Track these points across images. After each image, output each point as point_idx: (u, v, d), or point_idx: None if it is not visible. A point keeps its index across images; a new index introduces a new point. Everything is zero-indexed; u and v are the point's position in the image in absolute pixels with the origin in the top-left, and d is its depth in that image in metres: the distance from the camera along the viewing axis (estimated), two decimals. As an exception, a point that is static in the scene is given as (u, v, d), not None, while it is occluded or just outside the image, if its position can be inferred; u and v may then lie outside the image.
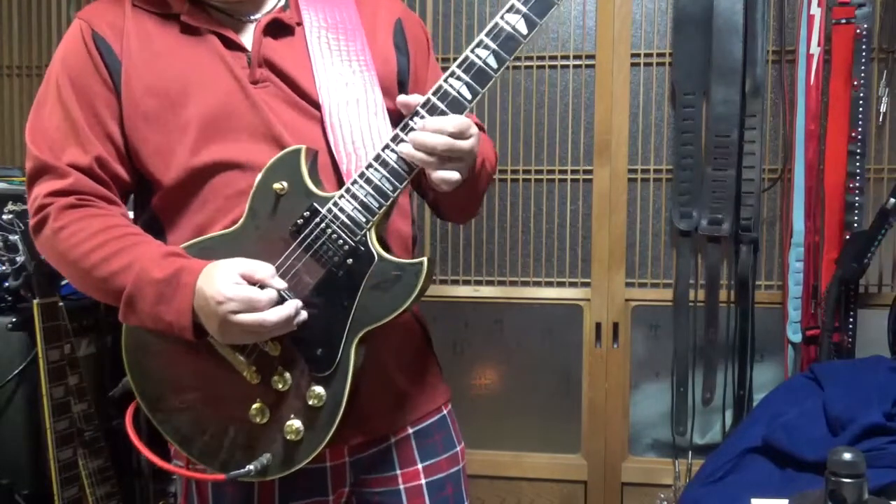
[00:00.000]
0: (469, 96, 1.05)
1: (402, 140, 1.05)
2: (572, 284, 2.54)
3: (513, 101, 2.51)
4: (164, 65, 1.13)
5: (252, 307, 1.01)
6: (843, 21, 2.25)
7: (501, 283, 2.58)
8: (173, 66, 1.13)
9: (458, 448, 1.28)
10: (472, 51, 1.04)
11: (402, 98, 1.07)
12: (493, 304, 2.58)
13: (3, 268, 1.81)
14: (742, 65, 2.33)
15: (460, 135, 1.04)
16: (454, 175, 1.05)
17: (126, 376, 1.15)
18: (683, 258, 2.45)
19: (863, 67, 2.25)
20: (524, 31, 1.04)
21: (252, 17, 1.17)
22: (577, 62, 2.50)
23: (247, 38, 1.15)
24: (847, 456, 0.97)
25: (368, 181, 1.06)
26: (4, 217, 1.80)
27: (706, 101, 2.39)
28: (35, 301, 1.81)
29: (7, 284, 1.86)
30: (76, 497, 1.84)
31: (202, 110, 1.11)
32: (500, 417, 2.58)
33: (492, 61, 1.04)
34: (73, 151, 1.12)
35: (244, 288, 1.02)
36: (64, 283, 2.09)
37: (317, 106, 1.14)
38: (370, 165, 1.06)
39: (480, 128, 1.31)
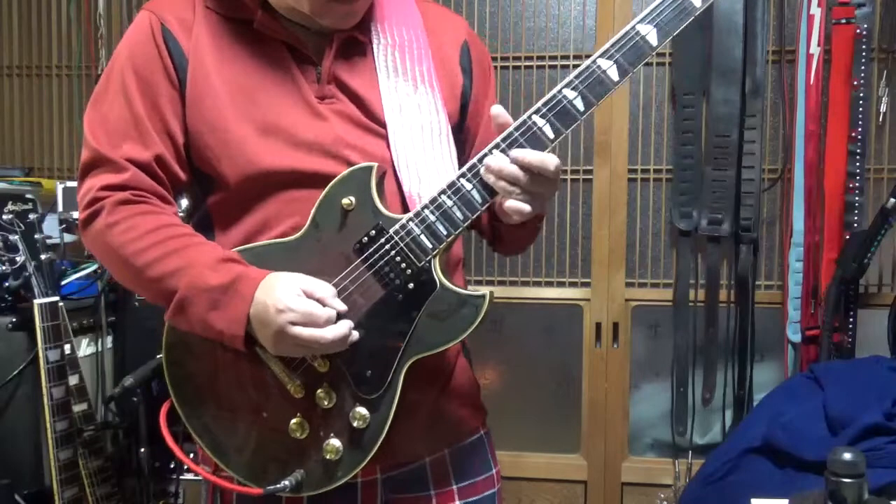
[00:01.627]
0: (552, 136, 1.03)
1: (478, 171, 1.03)
2: (572, 284, 2.54)
3: (513, 101, 2.51)
4: (232, 69, 1.10)
5: (311, 322, 0.99)
6: (843, 21, 2.25)
7: (501, 283, 2.58)
8: (242, 72, 1.10)
9: (495, 470, 1.25)
10: (560, 90, 1.03)
11: (496, 110, 1.05)
12: (493, 304, 2.57)
13: (3, 268, 1.81)
14: (742, 65, 2.33)
15: (555, 176, 1.04)
16: (526, 207, 1.03)
17: (127, 376, 1.15)
18: (683, 258, 2.45)
19: (863, 67, 2.25)
20: (616, 77, 1.02)
21: (323, 31, 1.13)
22: (577, 62, 2.50)
23: (318, 52, 1.12)
24: (847, 456, 0.96)
25: (439, 207, 1.03)
26: (4, 217, 1.80)
27: (706, 101, 2.39)
28: (35, 301, 1.81)
29: (7, 284, 1.86)
30: (76, 497, 1.84)
31: (268, 119, 1.09)
32: (500, 417, 2.57)
33: (579, 104, 1.02)
34: (132, 146, 1.09)
35: (306, 301, 1.00)
36: (64, 283, 2.10)
37: (383, 125, 1.12)
38: (443, 192, 1.03)
39: None
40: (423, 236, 1.04)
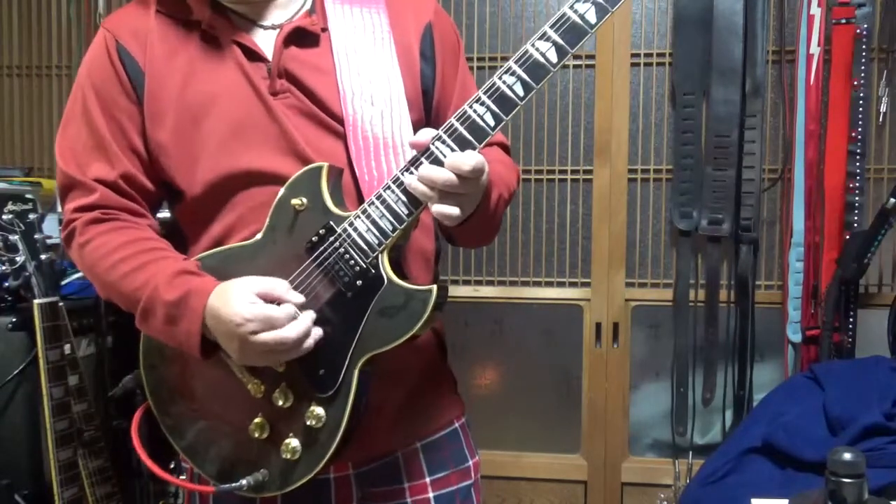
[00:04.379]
0: (492, 123, 1.01)
1: (423, 164, 1.01)
2: (572, 284, 2.54)
3: (513, 101, 2.51)
4: (185, 78, 1.11)
5: (271, 325, 1.00)
6: (843, 21, 2.25)
7: (501, 283, 2.58)
8: (195, 80, 1.11)
9: (471, 462, 1.25)
10: (500, 77, 1.01)
11: (412, 140, 1.03)
12: (493, 304, 2.58)
13: (3, 268, 1.81)
14: (742, 65, 2.33)
15: (477, 174, 1.00)
16: (454, 210, 1.00)
17: (127, 376, 1.16)
18: (683, 258, 2.45)
19: (863, 67, 2.25)
20: (554, 59, 1.00)
21: (275, 24, 1.14)
22: (577, 62, 2.50)
23: (268, 46, 1.12)
24: (847, 456, 0.96)
25: (384, 202, 1.02)
26: (4, 217, 1.80)
27: (706, 101, 2.39)
28: (35, 301, 1.81)
29: (7, 284, 1.86)
30: (76, 497, 1.84)
31: (223, 123, 1.10)
32: (500, 417, 2.58)
33: (518, 89, 1.01)
34: (98, 166, 1.12)
35: (261, 307, 1.00)
36: (64, 283, 2.10)
37: (339, 119, 1.11)
38: (388, 187, 1.03)
39: (506, 148, 1.28)
40: (369, 233, 1.03)
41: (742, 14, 2.31)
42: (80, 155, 1.13)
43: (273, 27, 1.14)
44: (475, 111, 1.01)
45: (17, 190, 2.11)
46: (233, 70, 1.11)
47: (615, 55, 2.46)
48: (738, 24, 2.32)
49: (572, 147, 2.52)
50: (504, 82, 1.00)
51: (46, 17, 2.73)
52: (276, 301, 1.02)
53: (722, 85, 2.35)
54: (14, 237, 1.80)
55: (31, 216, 1.84)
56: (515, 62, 1.00)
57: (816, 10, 2.29)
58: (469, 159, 0.98)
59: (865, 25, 2.25)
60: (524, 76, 1.00)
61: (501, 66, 1.02)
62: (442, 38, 1.20)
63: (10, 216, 1.81)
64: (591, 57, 2.49)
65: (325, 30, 1.14)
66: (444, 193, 0.99)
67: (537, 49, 1.00)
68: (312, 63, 1.12)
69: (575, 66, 2.50)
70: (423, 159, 1.01)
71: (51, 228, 2.00)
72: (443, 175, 0.98)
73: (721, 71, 2.34)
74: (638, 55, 2.46)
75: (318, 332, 1.04)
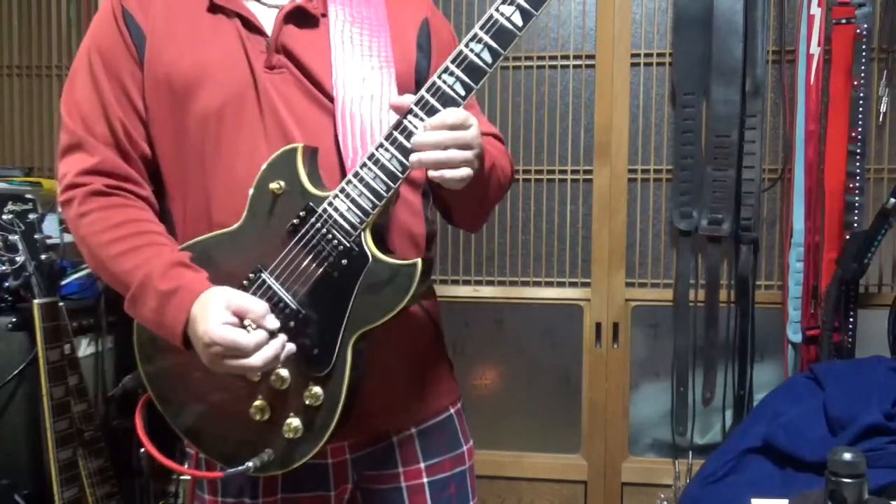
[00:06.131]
0: (463, 93, 1.02)
1: (397, 139, 1.03)
2: (572, 284, 2.54)
3: (513, 101, 2.51)
4: (185, 46, 1.13)
5: (238, 353, 1.01)
6: (843, 21, 2.25)
7: (501, 283, 2.58)
8: (194, 49, 1.13)
9: (465, 448, 1.27)
10: (466, 45, 1.02)
11: (393, 101, 1.05)
12: (493, 304, 2.58)
13: (3, 268, 1.81)
14: (742, 65, 2.33)
15: (461, 125, 1.02)
16: (464, 171, 1.03)
17: (127, 376, 1.16)
18: (683, 258, 2.45)
19: (863, 67, 2.25)
20: (519, 22, 1.01)
21: (277, 3, 1.16)
22: (577, 62, 2.50)
23: (268, 22, 1.14)
24: (847, 456, 0.97)
25: (362, 180, 1.04)
26: (4, 217, 1.80)
27: (706, 101, 2.39)
28: (35, 301, 1.81)
29: (7, 284, 1.86)
30: (76, 497, 1.84)
31: (215, 96, 1.12)
32: (500, 417, 2.58)
33: (486, 56, 1.01)
34: (103, 125, 1.14)
35: (231, 331, 1.01)
36: (64, 283, 2.10)
37: (331, 98, 1.13)
38: (364, 164, 1.04)
39: (499, 139, 1.29)
40: (349, 211, 1.05)
41: (742, 14, 2.31)
42: (87, 115, 1.14)
43: (274, 6, 1.16)
44: (444, 82, 1.02)
45: (17, 190, 2.11)
46: (232, 40, 1.13)
47: (615, 55, 2.46)
48: (738, 24, 2.32)
49: (572, 147, 2.52)
50: (471, 50, 1.01)
51: (46, 18, 2.73)
52: (252, 322, 1.02)
53: (722, 85, 2.35)
54: (14, 237, 1.80)
55: (31, 216, 1.84)
56: (481, 28, 1.01)
57: (816, 10, 2.29)
58: (449, 115, 1.01)
59: (865, 25, 2.25)
60: (491, 42, 1.01)
61: (468, 34, 1.03)
62: (438, 34, 1.24)
63: (10, 216, 1.81)
64: (591, 57, 2.49)
65: (324, 15, 1.17)
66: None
67: (502, 14, 1.01)
68: (310, 42, 1.15)
69: (575, 66, 2.50)
70: (395, 133, 1.03)
71: (51, 228, 2.00)
72: (446, 135, 1.00)
73: (721, 71, 2.34)
74: (638, 55, 2.46)
75: (290, 349, 1.05)
